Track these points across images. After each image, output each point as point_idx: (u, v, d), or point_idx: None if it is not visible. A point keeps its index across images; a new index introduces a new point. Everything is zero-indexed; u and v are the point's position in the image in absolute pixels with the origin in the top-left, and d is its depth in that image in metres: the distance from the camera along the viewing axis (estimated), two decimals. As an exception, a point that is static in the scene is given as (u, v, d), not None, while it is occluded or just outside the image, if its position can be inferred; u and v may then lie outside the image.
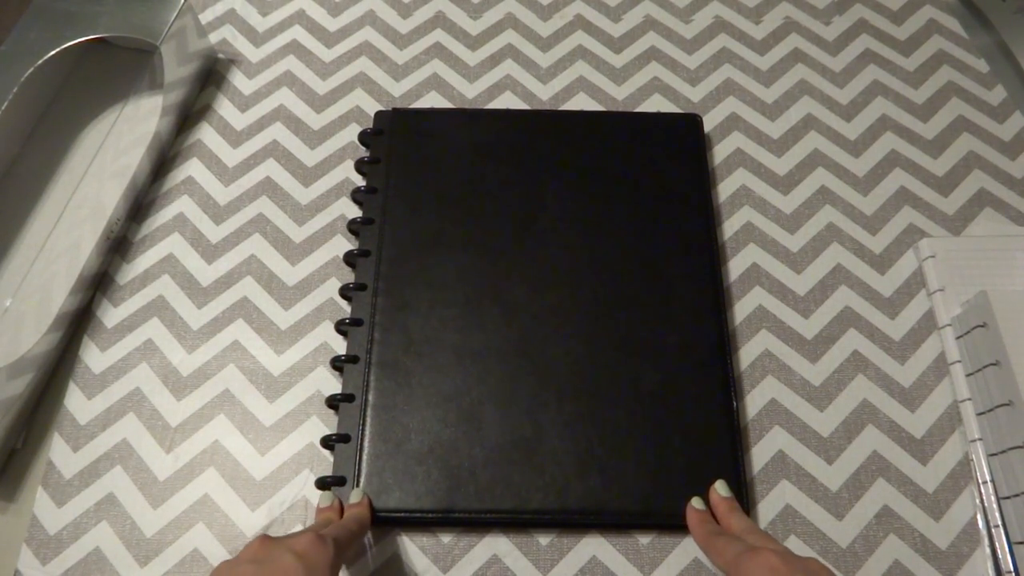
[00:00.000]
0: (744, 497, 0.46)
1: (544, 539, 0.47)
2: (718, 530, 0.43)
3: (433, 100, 0.62)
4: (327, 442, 0.49)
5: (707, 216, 0.55)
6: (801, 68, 0.63)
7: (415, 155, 0.57)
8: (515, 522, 0.47)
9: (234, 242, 0.56)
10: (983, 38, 0.65)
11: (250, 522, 0.47)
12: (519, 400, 0.49)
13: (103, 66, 0.63)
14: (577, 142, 0.58)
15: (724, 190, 0.58)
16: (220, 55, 0.64)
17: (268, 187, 0.59)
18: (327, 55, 0.65)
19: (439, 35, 0.65)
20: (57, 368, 0.53)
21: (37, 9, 0.56)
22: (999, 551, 0.45)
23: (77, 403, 0.51)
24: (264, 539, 0.38)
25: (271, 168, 0.59)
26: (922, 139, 0.60)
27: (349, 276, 0.55)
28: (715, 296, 0.52)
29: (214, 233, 0.57)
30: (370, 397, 0.49)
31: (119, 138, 0.59)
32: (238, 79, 0.63)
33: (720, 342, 0.51)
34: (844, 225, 0.56)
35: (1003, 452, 0.46)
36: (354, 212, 0.57)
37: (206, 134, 0.61)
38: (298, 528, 0.47)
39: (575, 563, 0.46)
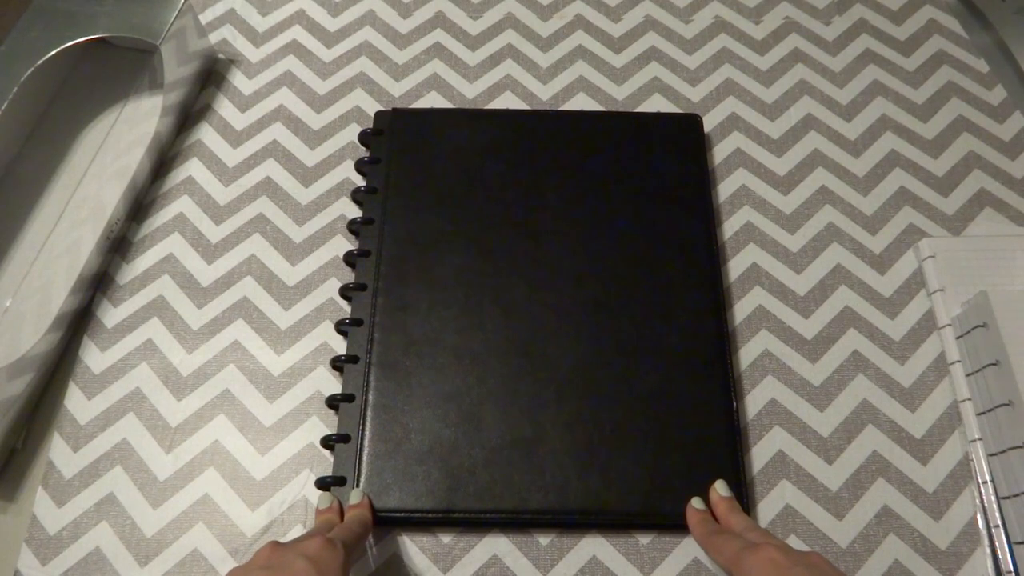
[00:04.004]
0: (744, 497, 0.46)
1: (544, 539, 0.47)
2: (718, 528, 0.43)
3: (433, 100, 0.62)
4: (327, 442, 0.49)
5: (707, 216, 0.55)
6: (801, 68, 0.63)
7: (415, 155, 0.57)
8: (515, 522, 0.47)
9: (234, 242, 0.56)
10: (983, 38, 0.65)
11: (250, 522, 0.47)
12: (519, 400, 0.49)
13: (103, 66, 0.63)
14: (577, 142, 0.58)
15: (724, 190, 0.58)
16: (220, 55, 0.64)
17: (268, 187, 0.59)
18: (327, 55, 0.65)
19: (439, 35, 0.65)
20: (57, 368, 0.53)
21: (37, 9, 0.56)
22: (999, 551, 0.45)
23: (77, 403, 0.51)
24: (274, 545, 0.38)
25: (271, 168, 0.59)
26: (922, 139, 0.60)
27: (349, 276, 0.55)
28: (715, 296, 0.52)
29: (214, 233, 0.57)
30: (370, 397, 0.49)
31: (119, 138, 0.59)
32: (238, 79, 0.63)
33: (720, 342, 0.50)
34: (844, 225, 0.56)
35: (1003, 452, 0.46)
36: (354, 212, 0.57)
37: (206, 134, 0.61)
38: (298, 528, 0.47)
39: (575, 563, 0.46)
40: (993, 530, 0.46)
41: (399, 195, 0.56)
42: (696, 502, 0.45)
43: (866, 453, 0.49)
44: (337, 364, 0.51)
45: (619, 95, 0.62)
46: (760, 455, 0.49)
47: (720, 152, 0.60)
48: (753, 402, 0.50)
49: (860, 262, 0.55)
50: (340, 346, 0.52)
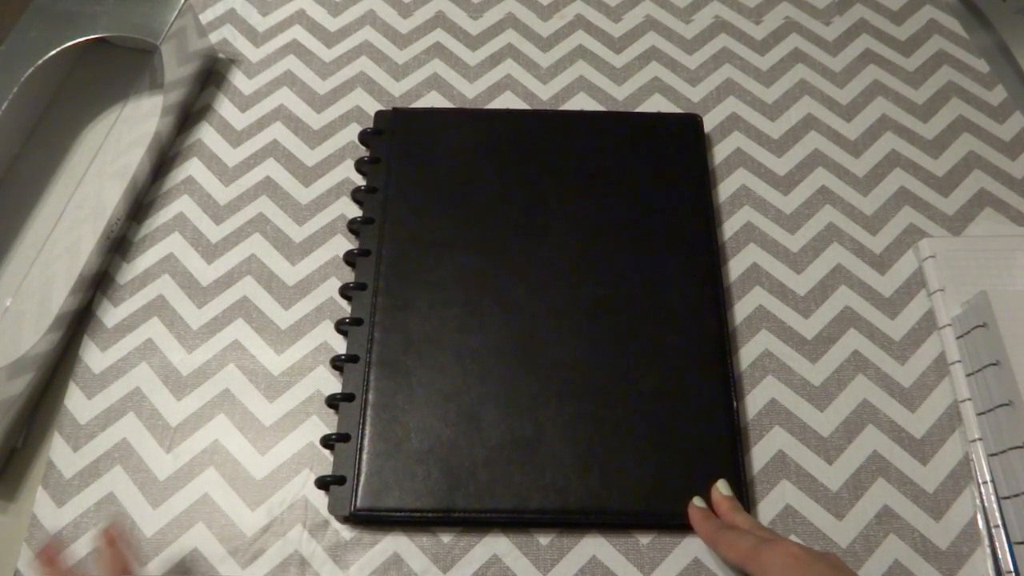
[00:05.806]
0: (744, 497, 0.46)
1: (544, 539, 0.47)
2: (725, 525, 0.43)
3: (433, 100, 0.62)
4: (327, 442, 0.49)
5: (707, 216, 0.55)
6: (801, 68, 0.63)
7: (415, 155, 0.57)
8: (515, 522, 0.47)
9: (234, 242, 0.56)
10: (983, 38, 0.65)
11: (250, 522, 0.47)
12: (519, 400, 0.49)
13: (103, 66, 0.63)
14: (577, 142, 0.58)
15: (724, 190, 0.58)
16: (220, 55, 0.64)
17: (268, 187, 0.59)
18: (327, 55, 0.64)
19: (439, 35, 0.65)
20: (57, 368, 0.53)
21: (37, 9, 0.56)
22: (999, 551, 0.45)
23: (77, 403, 0.51)
24: None
25: (271, 168, 0.59)
26: (922, 139, 0.60)
27: (349, 276, 0.55)
28: (715, 296, 0.52)
29: (214, 233, 0.57)
30: (370, 397, 0.49)
31: (119, 138, 0.59)
32: (238, 79, 0.63)
33: (720, 342, 0.50)
34: (844, 225, 0.56)
35: (1003, 452, 0.46)
36: (354, 212, 0.57)
37: (206, 134, 0.61)
38: (298, 528, 0.47)
39: (575, 563, 0.46)
40: (993, 530, 0.46)
41: (399, 195, 0.56)
42: (698, 501, 0.45)
43: (866, 453, 0.49)
44: (337, 363, 0.51)
45: (619, 95, 0.62)
46: (760, 455, 0.49)
47: (720, 152, 0.60)
48: (753, 402, 0.50)
49: (860, 262, 0.55)
50: (340, 345, 0.52)
